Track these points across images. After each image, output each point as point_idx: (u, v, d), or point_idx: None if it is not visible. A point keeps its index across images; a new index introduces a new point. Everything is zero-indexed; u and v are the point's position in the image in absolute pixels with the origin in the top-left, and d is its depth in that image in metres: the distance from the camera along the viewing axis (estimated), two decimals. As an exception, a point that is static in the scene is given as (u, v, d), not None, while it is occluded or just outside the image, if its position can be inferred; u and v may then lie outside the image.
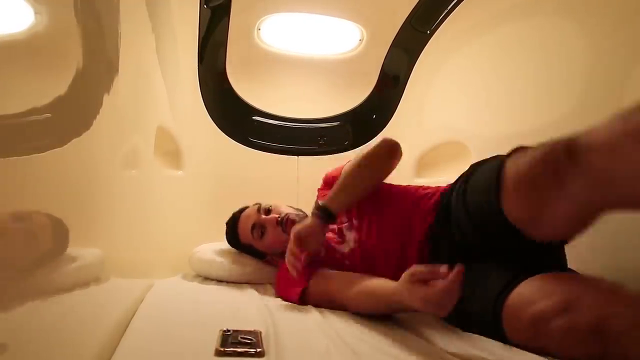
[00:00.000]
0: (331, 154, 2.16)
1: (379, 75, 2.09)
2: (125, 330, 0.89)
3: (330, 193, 1.25)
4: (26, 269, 0.53)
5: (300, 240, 1.20)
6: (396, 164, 1.29)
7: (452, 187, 1.12)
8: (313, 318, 1.04)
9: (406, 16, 1.84)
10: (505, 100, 1.73)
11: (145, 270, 1.34)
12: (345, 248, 1.32)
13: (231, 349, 0.76)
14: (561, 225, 0.83)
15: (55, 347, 0.54)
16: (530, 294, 0.84)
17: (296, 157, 2.15)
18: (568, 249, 1.01)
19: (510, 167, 0.88)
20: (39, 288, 0.49)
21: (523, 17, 1.63)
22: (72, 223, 0.62)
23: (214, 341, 0.79)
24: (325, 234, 1.25)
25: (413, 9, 1.79)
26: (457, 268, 0.80)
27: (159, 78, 1.48)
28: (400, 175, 1.35)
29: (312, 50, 2.11)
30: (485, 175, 0.95)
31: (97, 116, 0.66)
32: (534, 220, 0.85)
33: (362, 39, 2.00)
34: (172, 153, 1.90)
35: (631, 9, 1.28)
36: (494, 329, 0.87)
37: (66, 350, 0.58)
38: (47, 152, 0.49)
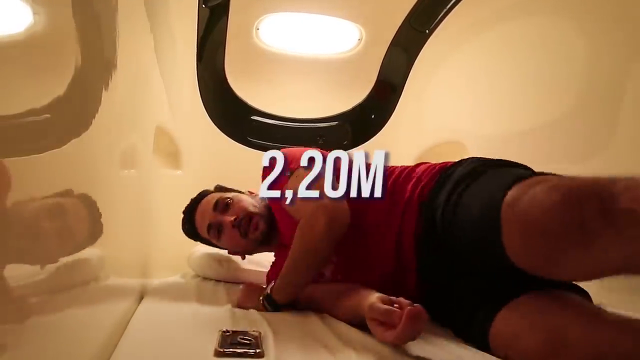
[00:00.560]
0: (330, 153, 2.16)
1: (378, 75, 2.09)
2: (124, 330, 0.89)
3: (278, 280, 1.11)
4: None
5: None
6: (343, 228, 1.07)
7: (433, 195, 1.00)
8: (312, 318, 1.04)
9: (405, 15, 1.84)
10: (504, 99, 1.73)
11: (144, 270, 1.34)
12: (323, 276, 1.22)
13: (230, 349, 0.77)
14: (581, 277, 0.78)
15: (54, 348, 0.54)
16: (515, 323, 0.83)
17: (295, 156, 2.14)
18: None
19: (516, 207, 0.73)
20: (39, 288, 0.49)
21: (522, 15, 1.63)
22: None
23: (213, 341, 0.79)
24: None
25: (412, 8, 1.79)
26: (408, 312, 0.76)
27: (157, 78, 1.48)
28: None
29: (310, 50, 2.10)
30: (482, 211, 0.82)
31: (96, 116, 0.66)
32: (545, 269, 0.74)
33: (361, 39, 1.99)
34: (170, 152, 1.90)
35: (630, 7, 1.28)
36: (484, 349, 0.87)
37: (64, 351, 0.58)
38: (47, 152, 0.49)
